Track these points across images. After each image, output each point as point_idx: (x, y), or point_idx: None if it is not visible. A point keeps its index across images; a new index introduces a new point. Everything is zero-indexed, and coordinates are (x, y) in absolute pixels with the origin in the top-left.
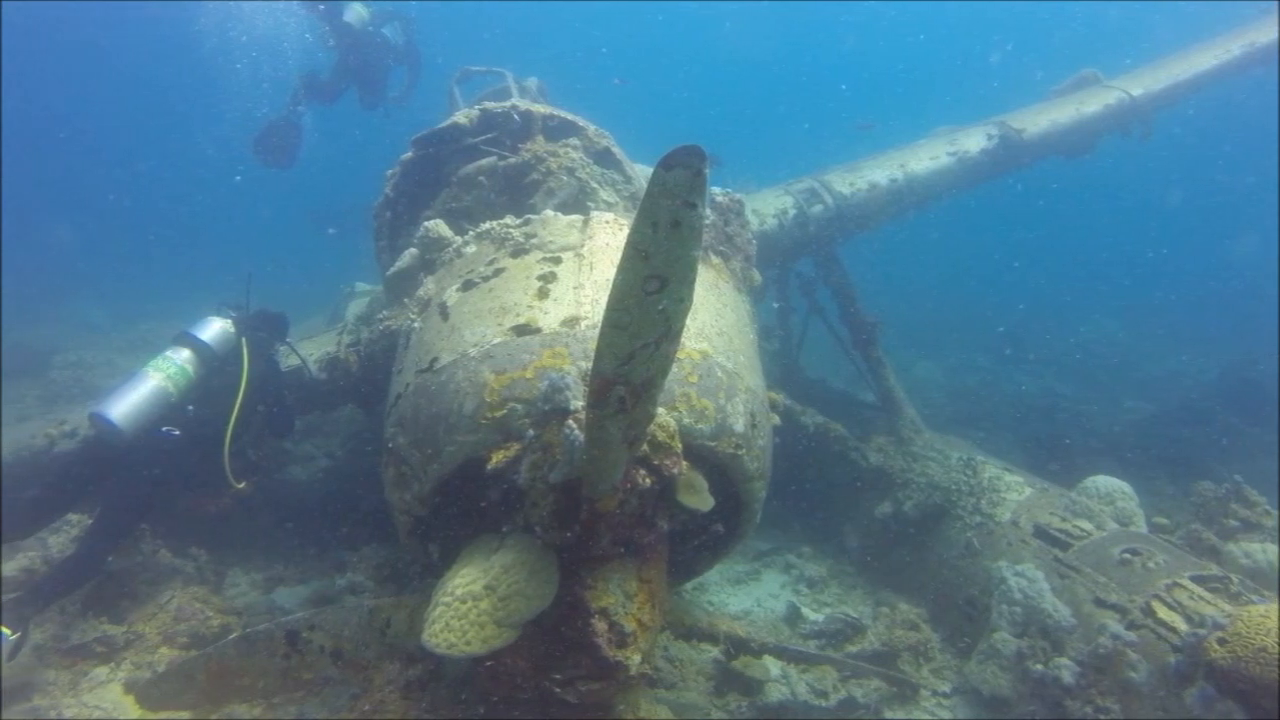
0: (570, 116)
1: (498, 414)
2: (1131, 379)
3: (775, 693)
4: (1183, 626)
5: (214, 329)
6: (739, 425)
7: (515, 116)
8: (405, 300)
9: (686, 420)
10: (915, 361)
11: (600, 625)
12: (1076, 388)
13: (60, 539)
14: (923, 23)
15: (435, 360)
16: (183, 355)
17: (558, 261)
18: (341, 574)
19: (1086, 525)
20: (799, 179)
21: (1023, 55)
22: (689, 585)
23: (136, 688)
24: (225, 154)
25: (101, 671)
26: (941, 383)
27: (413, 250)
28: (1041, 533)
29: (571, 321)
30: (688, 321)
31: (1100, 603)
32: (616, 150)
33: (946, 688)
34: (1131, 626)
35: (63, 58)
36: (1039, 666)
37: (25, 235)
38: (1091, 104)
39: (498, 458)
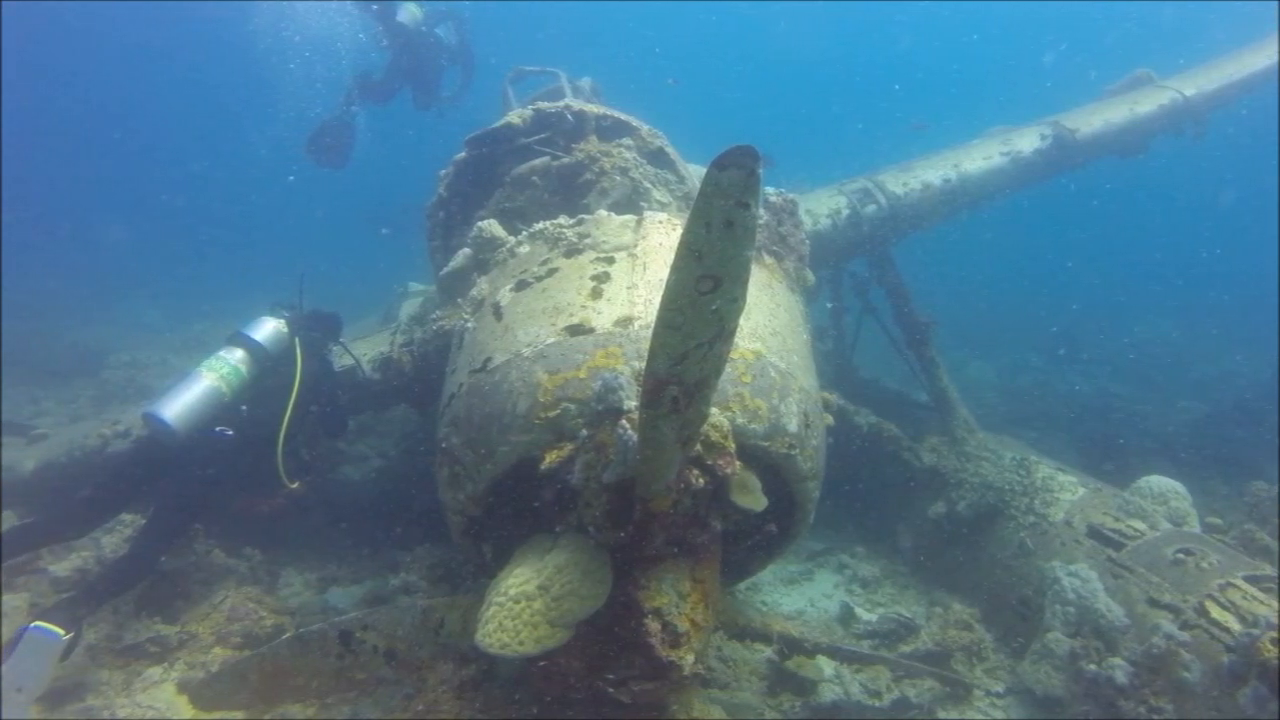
0: (624, 116)
1: (551, 414)
2: (1186, 379)
3: (829, 693)
4: (1236, 626)
5: (267, 329)
6: (792, 425)
7: (569, 116)
8: (459, 300)
9: (740, 420)
10: (969, 361)
11: (654, 625)
12: (1130, 388)
13: (113, 539)
14: (976, 23)
15: (489, 360)
16: (236, 355)
17: (611, 261)
18: (395, 574)
19: (1140, 525)
20: (852, 179)
21: (1076, 55)
22: (742, 585)
23: (190, 688)
24: (279, 154)
25: (155, 671)
26: (995, 382)
27: (466, 250)
28: (1095, 533)
29: (625, 321)
30: (741, 321)
31: (1154, 603)
32: (670, 150)
33: (1000, 688)
34: (1185, 626)
35: (116, 58)
36: (1092, 666)
37: (80, 235)
38: (1145, 104)
39: (551, 458)
